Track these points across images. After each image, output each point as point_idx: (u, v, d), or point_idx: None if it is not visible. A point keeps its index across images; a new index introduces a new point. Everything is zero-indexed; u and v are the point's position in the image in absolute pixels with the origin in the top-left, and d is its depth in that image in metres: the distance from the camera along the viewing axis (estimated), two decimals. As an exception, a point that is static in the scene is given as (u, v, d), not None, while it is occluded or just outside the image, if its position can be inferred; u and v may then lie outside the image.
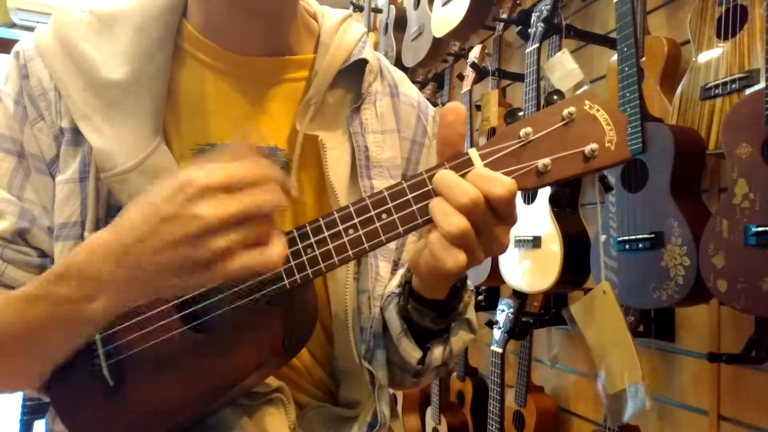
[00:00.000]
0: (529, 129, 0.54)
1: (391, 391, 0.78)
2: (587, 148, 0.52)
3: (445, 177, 0.53)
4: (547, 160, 0.53)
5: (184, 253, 0.48)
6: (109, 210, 0.64)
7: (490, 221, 0.53)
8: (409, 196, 0.55)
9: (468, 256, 0.53)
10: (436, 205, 0.53)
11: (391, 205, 0.55)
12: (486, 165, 0.54)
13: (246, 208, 0.48)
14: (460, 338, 0.67)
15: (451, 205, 0.52)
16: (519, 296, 1.75)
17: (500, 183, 0.51)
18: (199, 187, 0.47)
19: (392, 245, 0.72)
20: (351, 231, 0.55)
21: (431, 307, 0.63)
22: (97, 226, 0.63)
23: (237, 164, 0.49)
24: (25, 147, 0.66)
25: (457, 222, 0.51)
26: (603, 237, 1.35)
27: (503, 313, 1.79)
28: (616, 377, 1.22)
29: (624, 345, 1.20)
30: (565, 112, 0.53)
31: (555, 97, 0.57)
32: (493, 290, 2.12)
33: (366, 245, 0.55)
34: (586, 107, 0.54)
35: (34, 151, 0.66)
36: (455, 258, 0.52)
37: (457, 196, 0.52)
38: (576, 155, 0.53)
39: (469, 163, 0.54)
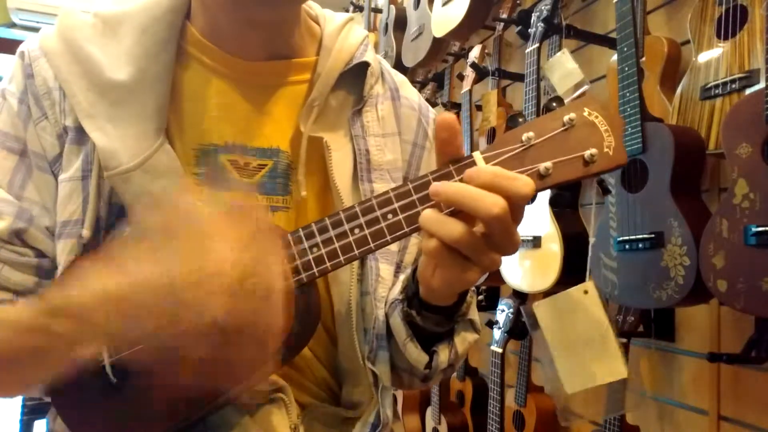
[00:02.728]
0: (531, 133, 0.55)
1: (393, 390, 0.79)
2: (587, 153, 0.54)
3: (468, 191, 0.52)
4: (548, 164, 0.54)
5: (181, 341, 0.47)
6: (110, 209, 0.65)
7: (509, 224, 0.54)
8: (415, 197, 0.56)
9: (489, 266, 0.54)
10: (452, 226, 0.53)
11: (396, 205, 0.56)
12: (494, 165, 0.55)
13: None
14: (464, 339, 0.67)
15: (480, 216, 0.52)
16: (519, 296, 1.76)
17: (524, 182, 0.52)
18: (224, 286, 0.46)
19: (394, 248, 0.73)
20: (357, 230, 0.56)
21: (438, 312, 0.64)
22: (97, 225, 0.63)
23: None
24: (28, 145, 0.66)
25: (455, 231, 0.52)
26: (592, 240, 1.36)
27: (503, 313, 1.79)
28: (587, 375, 1.23)
29: (605, 343, 1.21)
30: (566, 118, 0.55)
31: (554, 104, 0.59)
32: (493, 290, 2.13)
33: (372, 245, 0.56)
34: (586, 113, 0.56)
35: (37, 149, 0.66)
36: (492, 259, 0.54)
37: (488, 206, 0.51)
38: (576, 159, 0.55)
39: (473, 165, 0.55)
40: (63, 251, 0.64)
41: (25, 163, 0.66)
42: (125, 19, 0.67)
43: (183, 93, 0.68)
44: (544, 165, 0.54)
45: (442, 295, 0.61)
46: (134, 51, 0.65)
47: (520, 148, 0.55)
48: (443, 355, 0.66)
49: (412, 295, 0.65)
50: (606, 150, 0.54)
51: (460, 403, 2.28)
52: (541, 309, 1.33)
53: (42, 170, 0.66)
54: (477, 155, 0.56)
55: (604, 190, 1.29)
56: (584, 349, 1.23)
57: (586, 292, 1.22)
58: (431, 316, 0.64)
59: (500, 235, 0.52)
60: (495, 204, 0.51)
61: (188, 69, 0.69)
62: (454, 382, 2.32)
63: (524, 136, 0.55)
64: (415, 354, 0.66)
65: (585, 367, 1.23)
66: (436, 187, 0.53)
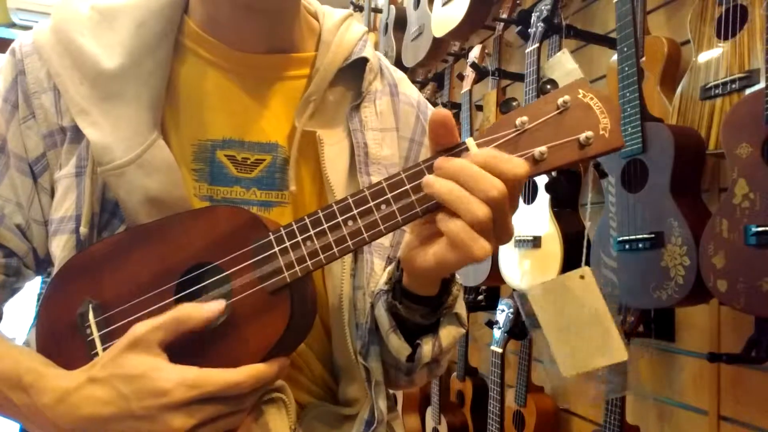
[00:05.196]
0: (525, 118, 0.54)
1: (390, 390, 0.78)
2: (582, 136, 0.53)
3: (468, 168, 0.52)
4: (543, 148, 0.53)
5: None
6: (104, 205, 0.64)
7: (507, 209, 0.53)
8: (408, 186, 0.55)
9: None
10: (457, 194, 0.51)
11: (390, 195, 0.55)
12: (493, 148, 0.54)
13: (212, 418, 0.54)
14: (449, 333, 0.66)
15: (479, 197, 0.51)
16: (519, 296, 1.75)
17: (519, 163, 0.52)
18: (175, 402, 0.52)
19: (386, 242, 0.72)
20: (350, 223, 0.55)
21: (422, 303, 0.64)
22: (92, 221, 0.63)
23: (216, 377, 0.54)
24: (8, 143, 0.66)
25: (483, 208, 0.51)
26: (588, 224, 1.37)
27: (503, 313, 1.79)
28: (585, 359, 1.24)
29: (604, 327, 1.21)
30: (560, 100, 0.54)
31: (548, 86, 0.58)
32: (493, 290, 2.12)
33: (365, 236, 0.55)
34: (580, 95, 0.54)
35: (17, 150, 0.66)
36: (482, 246, 0.51)
37: (486, 188, 0.51)
38: (571, 143, 0.53)
39: (467, 152, 0.54)
40: (58, 247, 0.64)
41: (3, 159, 0.66)
42: (122, 11, 0.67)
43: (180, 87, 0.68)
44: (539, 150, 0.53)
45: (425, 280, 0.61)
46: (129, 43, 0.65)
47: (514, 133, 0.54)
48: (427, 347, 0.65)
49: (395, 284, 0.64)
50: (602, 132, 0.53)
51: (460, 403, 2.28)
52: (534, 293, 1.33)
53: (19, 170, 0.66)
54: (470, 142, 0.55)
55: (601, 174, 1.28)
56: (581, 333, 1.23)
57: (582, 277, 1.22)
58: (416, 308, 0.64)
59: (496, 221, 0.52)
60: (493, 186, 0.50)
61: (185, 62, 0.69)
62: (454, 382, 2.32)
63: (518, 121, 0.54)
64: (397, 344, 0.65)
65: (582, 350, 1.24)
66: (441, 161, 0.53)
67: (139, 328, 0.54)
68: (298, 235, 0.56)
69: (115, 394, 0.53)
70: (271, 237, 0.57)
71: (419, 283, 0.62)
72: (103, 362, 0.55)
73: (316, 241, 0.56)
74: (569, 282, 1.24)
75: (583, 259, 1.34)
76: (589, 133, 0.53)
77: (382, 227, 0.55)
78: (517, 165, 0.52)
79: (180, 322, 0.55)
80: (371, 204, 0.55)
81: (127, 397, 0.53)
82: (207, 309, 0.55)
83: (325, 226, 0.56)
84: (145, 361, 0.54)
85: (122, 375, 0.53)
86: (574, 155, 0.53)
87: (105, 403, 0.53)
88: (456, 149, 0.55)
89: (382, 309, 0.66)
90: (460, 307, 0.68)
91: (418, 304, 0.64)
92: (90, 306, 0.59)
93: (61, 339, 0.60)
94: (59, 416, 0.55)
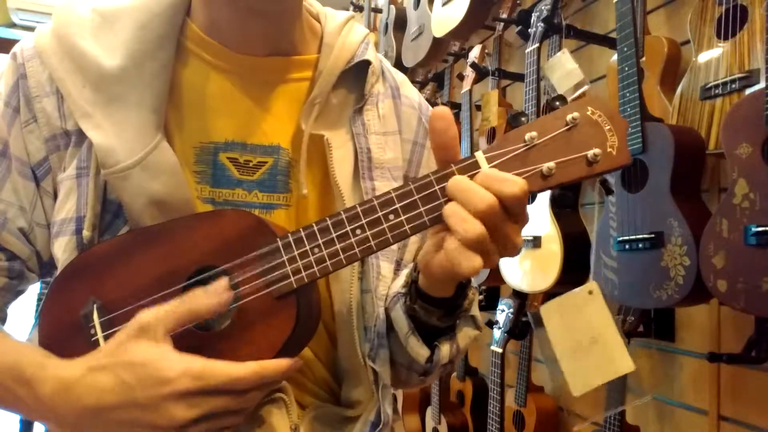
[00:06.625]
0: (534, 133, 0.55)
1: (394, 390, 0.79)
2: (590, 153, 0.54)
3: (461, 183, 0.54)
4: (551, 164, 0.54)
5: None
6: (106, 206, 0.64)
7: (504, 223, 0.54)
8: (416, 197, 0.56)
9: (484, 259, 0.53)
10: (453, 211, 0.53)
11: (398, 206, 0.56)
12: (492, 167, 0.55)
13: (215, 412, 0.54)
14: (465, 334, 0.67)
15: (468, 210, 0.52)
16: (519, 296, 1.76)
17: (513, 182, 0.52)
18: (179, 391, 0.52)
19: (394, 246, 0.72)
20: (358, 231, 0.56)
21: (438, 305, 0.64)
22: (94, 223, 0.64)
23: (221, 370, 0.53)
24: (9, 147, 0.66)
25: (474, 227, 0.52)
26: (596, 237, 1.37)
27: (503, 313, 1.79)
28: (594, 374, 1.24)
29: (610, 339, 1.22)
30: (569, 117, 0.55)
31: (557, 102, 0.59)
32: (493, 290, 2.13)
33: (373, 244, 0.56)
34: (589, 113, 0.55)
35: (19, 154, 0.66)
36: (472, 263, 0.52)
37: (475, 202, 0.52)
38: (579, 159, 0.54)
39: (476, 165, 0.55)
40: (60, 248, 0.64)
41: (5, 163, 0.66)
42: (123, 14, 0.67)
43: (183, 90, 0.68)
44: (547, 165, 0.54)
45: (440, 284, 0.61)
46: (131, 45, 0.65)
47: (523, 148, 0.55)
48: (445, 349, 0.66)
49: (411, 284, 0.65)
50: (609, 150, 0.54)
51: (460, 403, 2.28)
52: (547, 311, 1.33)
53: (22, 174, 0.66)
54: (479, 155, 0.56)
55: (607, 191, 1.29)
56: (590, 349, 1.24)
57: (590, 292, 1.23)
58: (433, 310, 0.64)
59: (493, 234, 0.53)
60: (482, 200, 0.52)
61: (188, 65, 0.69)
62: (454, 382, 2.32)
63: (527, 136, 0.55)
64: (417, 347, 0.66)
65: (592, 366, 1.24)
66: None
67: (146, 316, 0.54)
68: (305, 241, 0.57)
69: (119, 381, 0.53)
70: (279, 243, 0.57)
71: (434, 286, 0.62)
72: (107, 350, 0.55)
73: (323, 249, 0.56)
74: (579, 298, 1.25)
75: (592, 272, 1.34)
76: (597, 151, 0.54)
77: (389, 236, 0.56)
78: (512, 183, 0.52)
79: (188, 309, 0.54)
80: (380, 214, 0.56)
81: (130, 385, 0.53)
82: (214, 292, 0.55)
83: (333, 234, 0.56)
84: (149, 349, 0.53)
85: (125, 362, 0.53)
86: (581, 172, 0.54)
87: (108, 392, 0.53)
88: (465, 162, 0.56)
89: (400, 311, 0.67)
90: (476, 310, 0.69)
91: (434, 305, 0.64)
92: (95, 306, 0.59)
93: (63, 339, 0.60)
94: (61, 406, 0.55)
